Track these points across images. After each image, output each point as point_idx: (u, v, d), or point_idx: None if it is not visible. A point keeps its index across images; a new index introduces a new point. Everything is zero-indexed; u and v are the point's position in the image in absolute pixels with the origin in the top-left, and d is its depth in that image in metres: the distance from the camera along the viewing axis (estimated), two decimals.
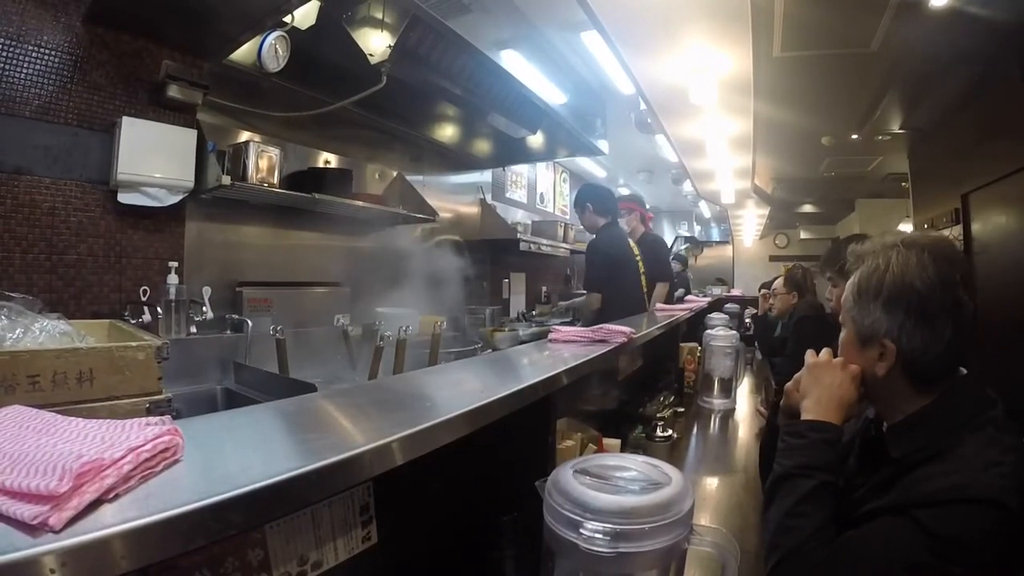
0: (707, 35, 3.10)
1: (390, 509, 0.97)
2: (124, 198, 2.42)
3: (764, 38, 3.27)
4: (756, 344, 4.69)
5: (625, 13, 2.87)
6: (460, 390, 1.14)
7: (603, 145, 4.82)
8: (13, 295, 1.29)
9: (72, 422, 0.59)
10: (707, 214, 10.91)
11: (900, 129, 5.21)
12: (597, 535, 0.76)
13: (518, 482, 1.00)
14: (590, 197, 4.12)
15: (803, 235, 11.33)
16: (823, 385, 1.20)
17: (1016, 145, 3.70)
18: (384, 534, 0.95)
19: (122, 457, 0.50)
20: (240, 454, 0.68)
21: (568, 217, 7.09)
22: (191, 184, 2.53)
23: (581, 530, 0.77)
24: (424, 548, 1.09)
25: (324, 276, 3.38)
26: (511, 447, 1.18)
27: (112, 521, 0.44)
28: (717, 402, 2.95)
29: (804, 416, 1.19)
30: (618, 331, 1.77)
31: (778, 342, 4.24)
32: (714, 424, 2.74)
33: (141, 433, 0.54)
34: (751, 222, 10.40)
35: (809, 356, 1.29)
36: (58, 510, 0.43)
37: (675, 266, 8.56)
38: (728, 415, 2.86)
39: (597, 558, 0.78)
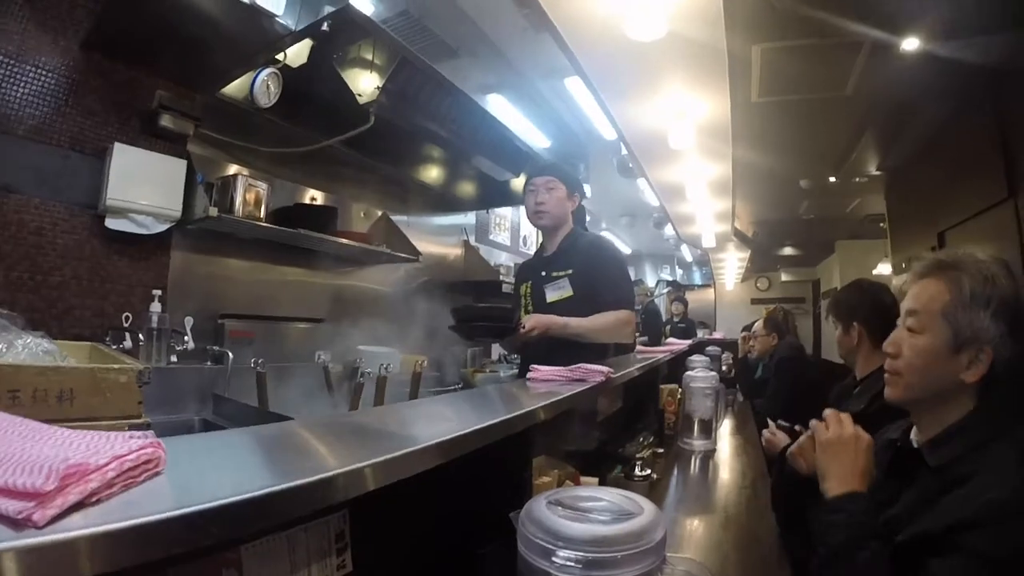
0: (686, 81, 3.20)
1: (366, 538, 0.97)
2: (112, 224, 2.44)
3: (742, 84, 3.37)
4: (737, 386, 4.72)
5: (605, 59, 2.97)
6: (436, 422, 1.16)
7: (586, 189, 4.88)
8: None
9: (58, 430, 0.60)
10: (689, 258, 11.07)
11: (877, 171, 5.34)
12: (569, 563, 0.77)
13: (495, 516, 1.01)
14: (576, 185, 2.75)
15: (784, 277, 11.50)
16: (843, 462, 1.24)
17: (989, 182, 3.75)
18: (360, 562, 0.95)
19: (107, 464, 0.51)
20: (218, 471, 0.69)
21: None
22: (178, 214, 2.56)
23: (554, 558, 0.78)
24: (402, 573, 1.09)
25: (306, 311, 3.39)
26: (489, 481, 1.19)
27: (92, 522, 0.46)
28: (697, 443, 2.95)
29: (831, 492, 1.21)
30: (596, 370, 1.78)
31: (759, 383, 4.29)
32: (694, 465, 2.73)
33: (126, 444, 0.55)
34: (732, 265, 10.54)
35: (820, 430, 1.31)
36: (42, 507, 0.44)
37: (677, 307, 8.63)
38: (708, 456, 2.86)
39: None
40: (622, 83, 3.24)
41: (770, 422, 2.45)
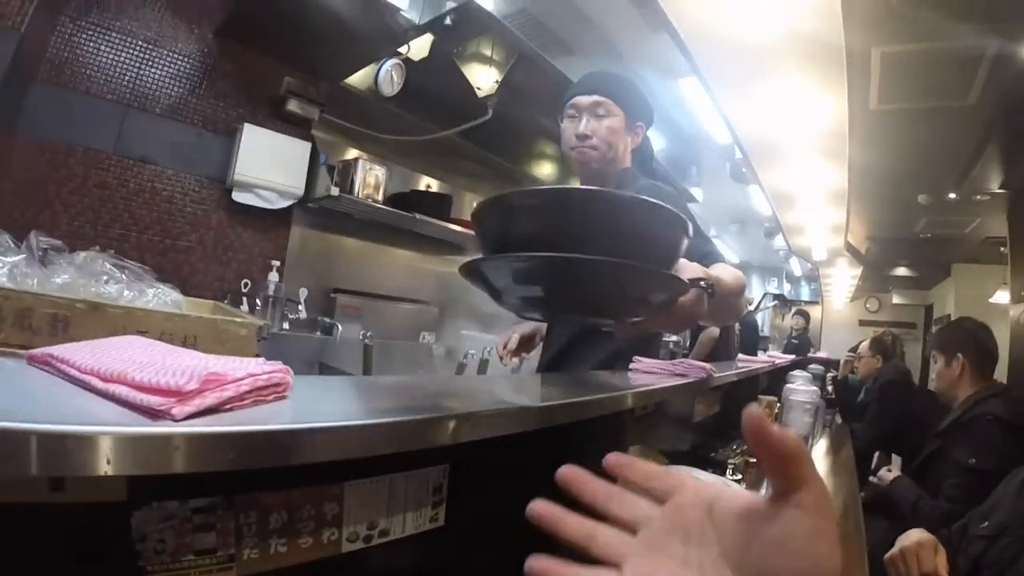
0: (802, 78, 3.08)
1: (462, 497, 1.00)
2: (238, 197, 2.60)
3: (860, 89, 3.21)
4: (837, 408, 4.52)
5: (722, 57, 2.90)
6: (539, 391, 1.17)
7: (696, 193, 4.81)
8: (131, 263, 1.41)
9: (197, 352, 0.65)
10: (798, 272, 10.63)
11: (999, 188, 4.95)
12: None
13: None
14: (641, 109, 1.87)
15: (895, 300, 10.84)
16: None
17: None
18: (452, 519, 0.98)
19: (242, 378, 0.56)
20: (337, 402, 0.75)
21: None
22: (301, 192, 2.70)
23: None
24: (488, 540, 1.11)
25: (414, 293, 3.51)
26: (585, 461, 1.20)
27: (222, 423, 0.50)
28: None
29: None
30: (698, 367, 1.75)
31: (860, 407, 4.08)
32: None
33: (260, 366, 0.60)
34: (842, 283, 10.06)
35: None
36: (181, 404, 0.49)
37: (798, 322, 8.33)
38: None
39: None
40: (737, 82, 3.16)
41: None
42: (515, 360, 1.98)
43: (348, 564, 0.84)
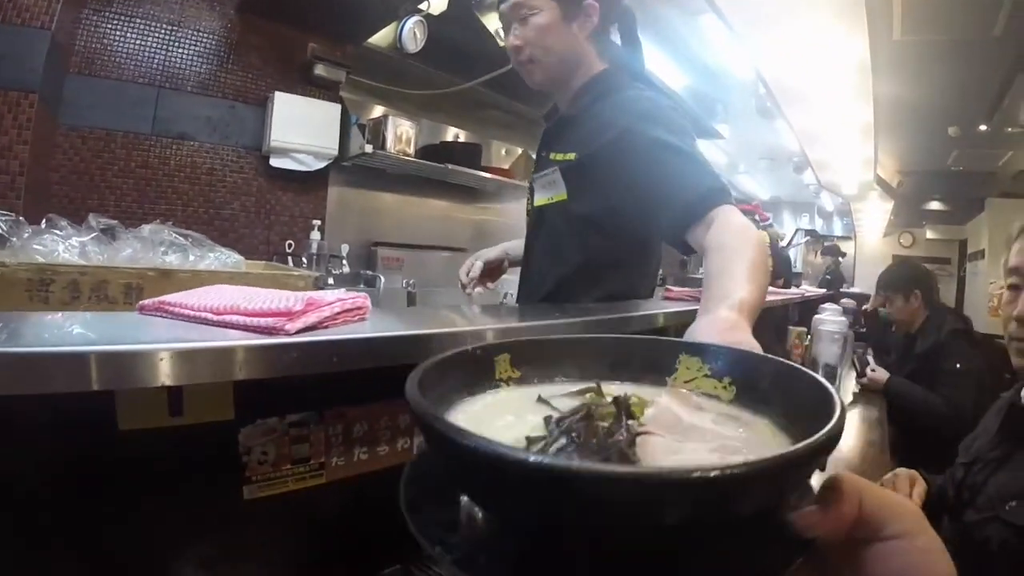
0: (824, 15, 3.07)
1: None
2: (275, 162, 2.71)
3: (883, 19, 3.18)
4: (869, 346, 4.18)
5: None
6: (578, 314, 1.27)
7: (723, 129, 4.80)
8: (191, 232, 1.52)
9: (279, 290, 0.78)
10: (829, 207, 10.50)
11: None
12: None
13: None
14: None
15: (929, 235, 10.56)
16: None
17: None
18: None
19: (333, 301, 0.68)
20: (407, 321, 0.88)
21: None
22: (335, 152, 2.81)
23: None
24: None
25: (450, 242, 3.64)
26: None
27: (324, 336, 0.63)
28: None
29: None
30: None
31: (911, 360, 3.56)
32: None
33: (345, 294, 0.73)
34: (874, 217, 9.89)
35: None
36: (291, 321, 0.61)
37: (827, 260, 8.26)
38: None
39: None
40: (753, 13, 3.15)
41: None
42: (479, 289, 1.77)
43: None
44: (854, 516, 0.33)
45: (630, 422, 0.38)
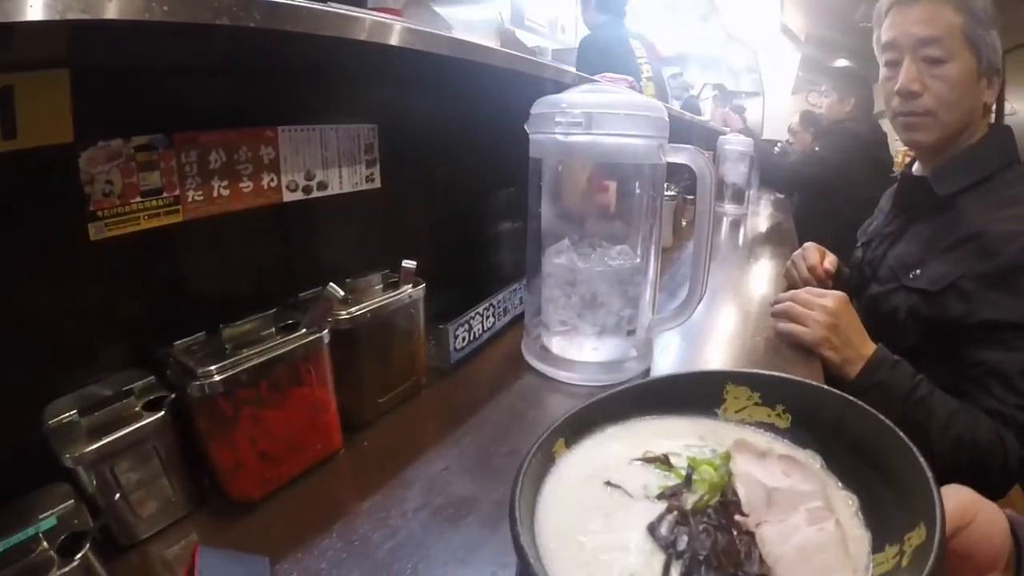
0: None
1: (394, 162, 1.05)
2: None
3: None
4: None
5: None
6: None
7: None
8: None
9: None
10: (738, 65, 10.49)
11: None
12: (574, 122, 0.82)
13: (511, 167, 1.08)
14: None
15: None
16: (843, 333, 1.08)
17: None
18: (387, 184, 1.04)
19: None
20: None
21: None
22: None
23: (558, 118, 0.83)
24: (426, 209, 1.18)
25: None
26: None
27: None
28: (729, 207, 2.96)
29: (851, 368, 1.06)
30: (621, 78, 1.71)
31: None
32: (725, 227, 2.73)
33: None
34: (782, 74, 10.01)
35: (799, 332, 1.13)
36: None
37: (733, 120, 8.28)
38: (740, 220, 2.88)
39: (571, 146, 0.84)
40: None
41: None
42: None
43: (290, 214, 0.89)
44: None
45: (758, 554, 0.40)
